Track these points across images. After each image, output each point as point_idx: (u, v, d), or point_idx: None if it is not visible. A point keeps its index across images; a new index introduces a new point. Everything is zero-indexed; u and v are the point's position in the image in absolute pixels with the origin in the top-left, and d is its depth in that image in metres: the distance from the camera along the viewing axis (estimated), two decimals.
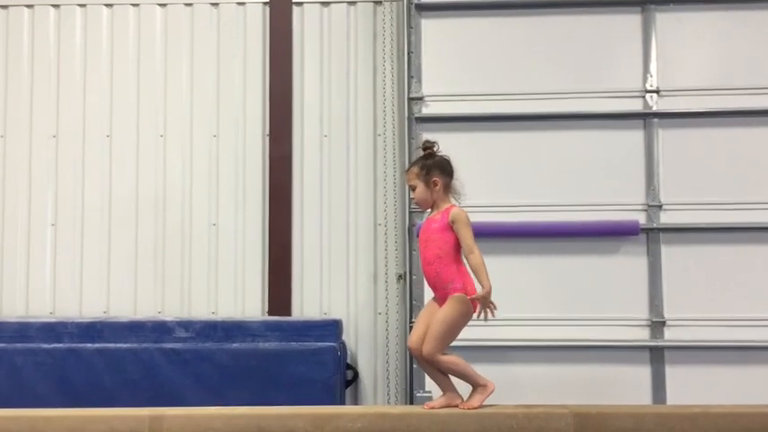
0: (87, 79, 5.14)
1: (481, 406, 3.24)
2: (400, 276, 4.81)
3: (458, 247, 3.33)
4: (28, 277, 5.03)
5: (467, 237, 3.30)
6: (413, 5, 4.75)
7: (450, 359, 3.30)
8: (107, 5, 5.15)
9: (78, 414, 3.20)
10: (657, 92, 4.63)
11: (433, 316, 3.31)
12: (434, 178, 3.37)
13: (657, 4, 4.66)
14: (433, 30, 4.78)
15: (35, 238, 5.05)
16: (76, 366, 4.41)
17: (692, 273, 4.55)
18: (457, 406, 3.27)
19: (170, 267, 5.01)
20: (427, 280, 3.40)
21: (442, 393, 3.34)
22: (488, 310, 3.28)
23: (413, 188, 3.44)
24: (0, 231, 5.07)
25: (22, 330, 4.54)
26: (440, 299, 3.34)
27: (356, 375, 4.86)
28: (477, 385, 3.29)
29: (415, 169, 3.43)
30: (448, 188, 3.42)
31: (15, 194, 5.09)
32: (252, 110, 5.09)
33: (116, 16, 5.15)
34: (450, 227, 3.32)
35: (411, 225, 4.63)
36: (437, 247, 3.31)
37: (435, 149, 3.44)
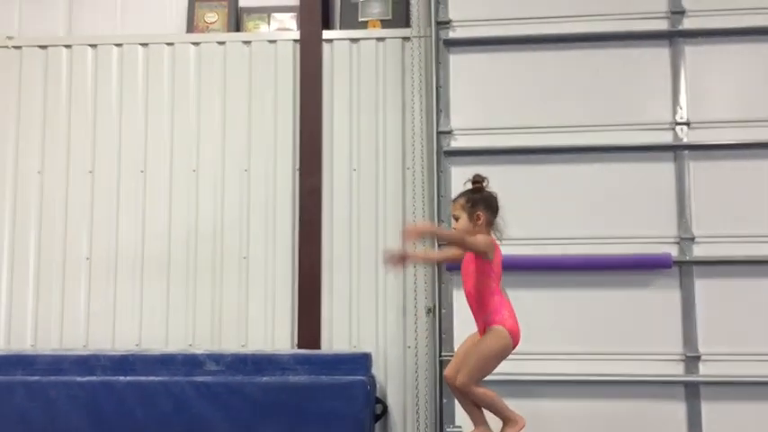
0: (123, 116, 5.26)
1: None
2: (429, 310, 4.79)
3: (492, 277, 3.34)
4: (63, 310, 5.11)
5: (478, 237, 3.33)
6: (441, 41, 4.80)
7: (483, 391, 3.28)
8: (142, 45, 5.29)
9: None
10: (688, 124, 4.61)
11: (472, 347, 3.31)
12: (478, 212, 3.42)
13: (686, 37, 4.66)
14: (461, 64, 4.82)
15: (70, 272, 5.14)
16: (109, 399, 4.44)
17: (727, 306, 4.47)
18: None
19: (201, 300, 5.06)
20: (471, 310, 3.43)
21: (473, 427, 3.31)
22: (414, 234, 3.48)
23: (456, 218, 3.49)
24: (36, 264, 5.18)
25: (56, 363, 4.60)
26: (480, 330, 3.34)
27: (385, 409, 4.83)
28: (507, 420, 3.27)
29: (461, 201, 3.49)
30: (490, 225, 3.47)
31: (52, 228, 5.19)
32: (282, 144, 5.16)
33: (151, 55, 5.28)
34: (480, 257, 3.33)
35: None
36: (476, 279, 3.34)
37: (484, 185, 3.51)
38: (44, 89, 5.32)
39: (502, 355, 3.29)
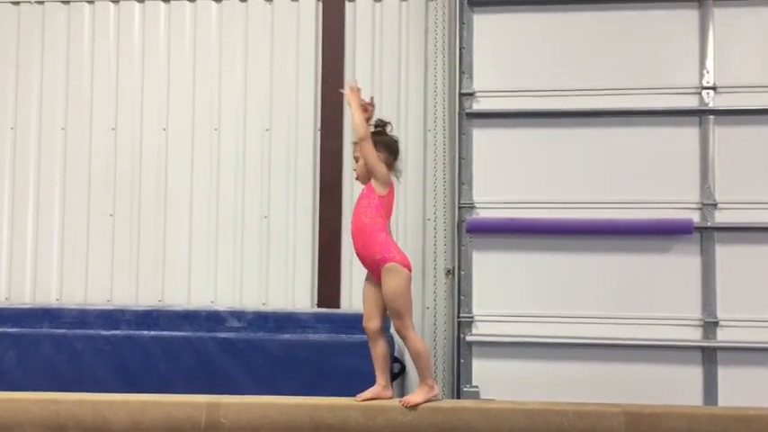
0: (145, 74, 5.27)
1: (420, 404, 3.26)
2: (449, 271, 4.82)
3: (381, 214, 3.40)
4: (87, 266, 5.20)
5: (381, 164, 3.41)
6: (464, 1, 4.74)
7: (419, 340, 3.42)
8: (165, 1, 5.27)
9: (139, 399, 3.31)
10: (714, 88, 4.55)
11: (375, 295, 3.39)
12: (378, 153, 3.45)
13: (715, 0, 4.58)
14: (484, 25, 4.76)
15: (94, 229, 5.21)
16: (133, 353, 4.55)
17: (747, 273, 4.46)
18: (387, 398, 3.36)
19: (222, 259, 5.12)
20: (355, 249, 3.47)
21: (378, 385, 3.38)
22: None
23: (356, 159, 3.52)
24: (61, 221, 5.25)
25: (81, 317, 4.73)
26: (372, 272, 3.42)
27: (403, 368, 4.90)
28: (425, 382, 3.33)
29: None
30: (390, 168, 3.49)
31: (76, 185, 5.25)
32: (304, 104, 5.16)
33: (173, 12, 5.26)
34: (373, 189, 3.40)
35: (461, 221, 4.64)
36: (362, 214, 3.41)
37: (387, 129, 3.56)
38: (67, 46, 5.33)
39: (407, 286, 3.39)
